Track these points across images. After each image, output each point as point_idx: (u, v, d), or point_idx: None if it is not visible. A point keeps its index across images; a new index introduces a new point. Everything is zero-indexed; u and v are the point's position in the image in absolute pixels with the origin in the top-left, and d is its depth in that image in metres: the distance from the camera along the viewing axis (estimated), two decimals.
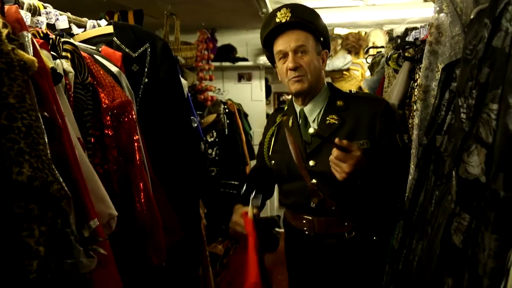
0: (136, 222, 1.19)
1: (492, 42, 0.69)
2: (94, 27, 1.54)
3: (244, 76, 4.52)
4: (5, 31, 0.81)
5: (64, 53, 1.12)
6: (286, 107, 1.58)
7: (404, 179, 1.18)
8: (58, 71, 0.98)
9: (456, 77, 0.89)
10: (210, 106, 3.30)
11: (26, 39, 0.90)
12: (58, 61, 1.05)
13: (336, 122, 1.36)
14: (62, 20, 1.37)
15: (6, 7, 0.92)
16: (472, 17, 0.83)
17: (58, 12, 1.35)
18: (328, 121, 1.38)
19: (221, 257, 3.42)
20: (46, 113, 0.87)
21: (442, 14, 0.94)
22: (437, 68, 0.98)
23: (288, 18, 1.38)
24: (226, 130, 3.56)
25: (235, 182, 3.72)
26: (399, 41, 1.83)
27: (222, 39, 4.17)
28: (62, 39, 1.14)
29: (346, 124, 1.35)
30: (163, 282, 1.39)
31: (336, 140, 1.16)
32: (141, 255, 1.20)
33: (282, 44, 1.40)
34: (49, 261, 0.78)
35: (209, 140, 3.29)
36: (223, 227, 2.50)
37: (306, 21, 1.39)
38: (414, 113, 1.22)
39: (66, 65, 1.06)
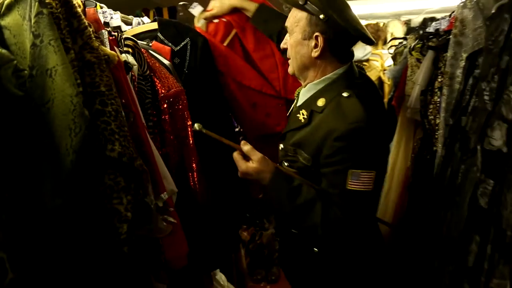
0: (190, 198, 1.34)
1: (511, 34, 0.81)
2: (138, 24, 1.70)
3: None
4: (90, 30, 0.96)
5: (126, 48, 1.26)
6: None
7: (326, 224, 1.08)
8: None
9: (478, 65, 1.01)
10: None
11: (105, 36, 1.05)
12: (123, 55, 1.20)
13: (302, 121, 1.17)
14: (116, 18, 1.51)
15: (86, 9, 1.07)
16: (493, 11, 0.95)
17: (112, 11, 1.50)
18: (298, 116, 1.20)
19: (247, 243, 3.58)
20: (123, 100, 1.02)
21: (465, 9, 1.06)
22: (461, 57, 1.10)
23: None
24: None
25: None
26: (421, 32, 1.93)
27: None
28: (123, 36, 1.28)
29: (307, 128, 1.15)
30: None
31: (242, 142, 1.15)
32: (193, 227, 1.35)
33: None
34: (134, 225, 0.93)
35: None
36: (247, 215, 2.61)
37: None
38: (438, 98, 1.34)
39: (130, 58, 1.21)
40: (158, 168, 1.08)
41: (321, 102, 1.15)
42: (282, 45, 1.23)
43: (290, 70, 1.23)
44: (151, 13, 2.30)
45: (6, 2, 0.85)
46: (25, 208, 0.79)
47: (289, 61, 1.22)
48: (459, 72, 1.10)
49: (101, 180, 0.91)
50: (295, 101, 1.30)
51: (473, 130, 0.95)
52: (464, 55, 1.09)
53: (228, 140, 1.16)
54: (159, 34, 1.59)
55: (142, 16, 1.93)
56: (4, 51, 0.79)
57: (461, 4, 1.09)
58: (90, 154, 0.85)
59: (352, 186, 1.04)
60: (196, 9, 1.64)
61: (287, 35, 1.21)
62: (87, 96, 0.89)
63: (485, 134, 0.86)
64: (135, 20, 1.70)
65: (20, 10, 0.85)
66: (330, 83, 1.17)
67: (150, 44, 1.53)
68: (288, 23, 1.19)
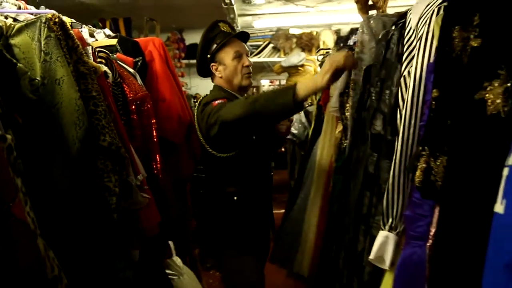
0: (153, 183, 1.62)
1: (386, 55, 1.21)
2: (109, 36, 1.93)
3: None
4: (81, 47, 1.22)
5: (99, 59, 1.52)
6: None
7: None
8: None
9: (371, 75, 1.41)
10: None
11: (89, 51, 1.32)
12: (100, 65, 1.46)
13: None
14: (84, 32, 1.74)
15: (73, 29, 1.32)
16: (379, 38, 1.35)
17: (82, 24, 1.73)
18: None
19: None
20: (106, 102, 1.29)
21: (364, 34, 1.46)
22: (362, 69, 1.50)
23: (230, 30, 1.85)
24: None
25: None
26: (341, 44, 2.36)
27: (189, 39, 4.57)
28: (97, 48, 1.54)
29: None
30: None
31: None
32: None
33: (238, 47, 1.81)
34: (120, 198, 1.21)
35: None
36: (195, 210, 2.92)
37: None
38: (349, 98, 1.75)
39: (105, 68, 1.47)
40: (134, 156, 1.36)
41: None
42: (250, 63, 1.81)
43: (252, 81, 1.86)
44: (108, 23, 2.52)
45: (17, 26, 1.09)
46: (41, 185, 1.04)
47: (251, 74, 1.83)
48: (360, 80, 1.50)
49: (95, 164, 1.17)
50: None
51: (367, 121, 1.34)
52: (363, 68, 1.49)
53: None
54: (117, 45, 1.84)
55: (100, 27, 2.16)
56: (20, 65, 1.04)
57: (361, 30, 1.50)
58: (89, 144, 1.12)
59: None
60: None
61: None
62: (83, 99, 1.15)
63: (372, 123, 1.25)
64: (101, 32, 1.93)
65: (29, 32, 1.09)
66: None
67: (115, 56, 1.78)
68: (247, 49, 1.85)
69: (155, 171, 1.64)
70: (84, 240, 1.11)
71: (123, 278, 1.35)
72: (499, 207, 0.56)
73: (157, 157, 1.64)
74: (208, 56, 1.84)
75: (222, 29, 1.81)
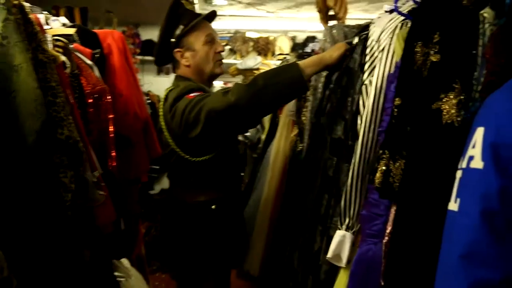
0: (109, 179, 1.57)
1: (349, 64, 1.28)
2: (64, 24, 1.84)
3: (163, 69, 4.84)
4: (40, 34, 1.16)
5: (56, 48, 1.45)
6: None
7: None
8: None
9: (332, 81, 1.47)
10: None
11: (48, 39, 1.25)
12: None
13: None
14: (41, 18, 1.66)
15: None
16: None
17: (41, 10, 1.64)
18: None
19: (143, 235, 3.76)
20: (64, 94, 1.24)
21: (326, 43, 1.53)
22: (322, 75, 1.56)
23: (193, 8, 1.59)
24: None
25: (157, 167, 4.06)
26: (300, 51, 2.44)
27: (144, 35, 4.46)
28: (55, 37, 1.47)
29: None
30: None
31: None
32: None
33: (210, 29, 1.56)
34: (76, 195, 1.16)
35: None
36: (142, 210, 2.86)
37: None
38: (307, 103, 1.81)
39: (64, 58, 1.41)
40: (91, 151, 1.32)
41: None
42: (223, 48, 1.63)
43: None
44: (62, 12, 2.41)
45: None
46: None
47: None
48: (320, 85, 1.56)
49: (51, 158, 1.11)
50: None
51: (326, 126, 1.40)
52: (324, 74, 1.55)
53: None
54: (75, 36, 1.77)
55: (54, 14, 2.05)
56: None
57: (324, 38, 1.56)
58: (46, 136, 1.06)
59: None
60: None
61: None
62: (41, 89, 1.09)
63: (332, 128, 1.31)
64: (57, 20, 1.84)
65: None
66: None
67: (72, 46, 1.71)
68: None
69: (110, 168, 1.59)
70: (35, 238, 1.05)
71: (72, 277, 1.29)
72: (453, 205, 0.62)
73: (113, 154, 1.60)
74: (172, 40, 1.56)
75: (187, 7, 1.56)
